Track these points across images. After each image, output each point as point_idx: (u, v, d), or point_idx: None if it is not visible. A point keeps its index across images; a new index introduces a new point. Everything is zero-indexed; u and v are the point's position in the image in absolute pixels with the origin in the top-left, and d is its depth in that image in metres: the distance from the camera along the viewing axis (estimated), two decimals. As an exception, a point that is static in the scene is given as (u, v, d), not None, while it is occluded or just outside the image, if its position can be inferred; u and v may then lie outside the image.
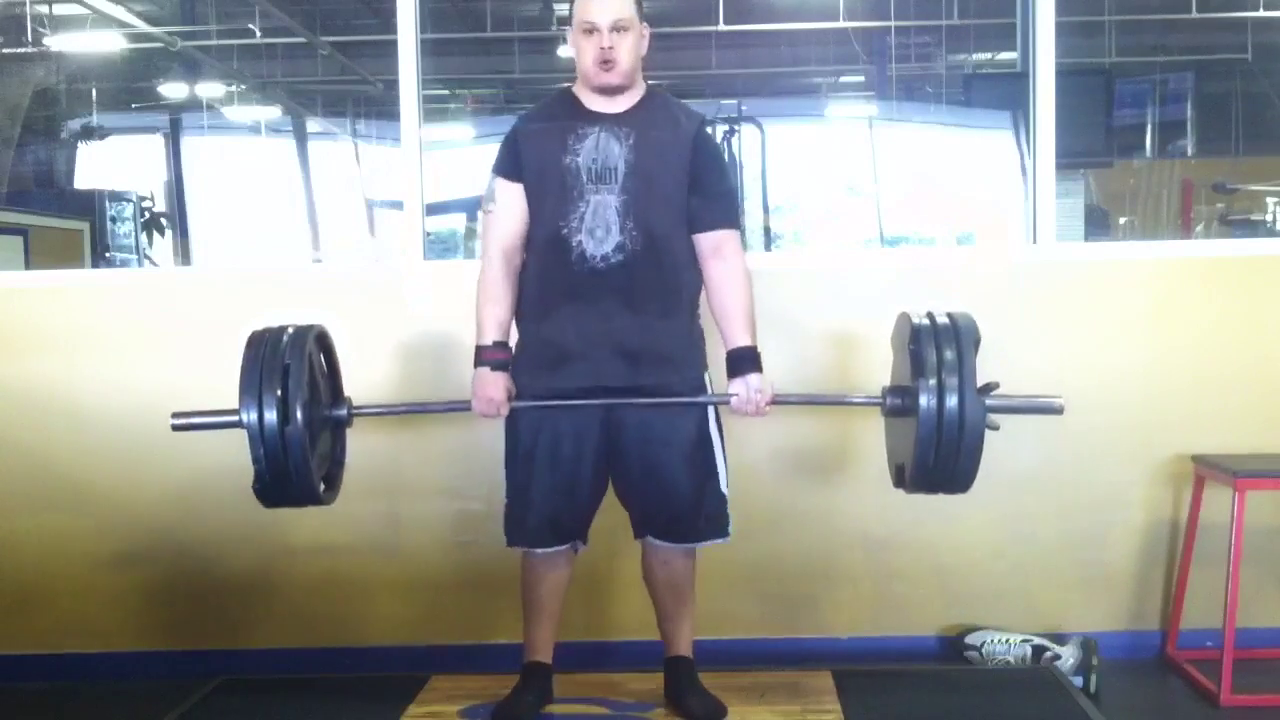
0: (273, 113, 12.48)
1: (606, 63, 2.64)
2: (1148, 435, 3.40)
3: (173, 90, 11.53)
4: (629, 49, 2.66)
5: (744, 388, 2.67)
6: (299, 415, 2.53)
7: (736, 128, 9.14)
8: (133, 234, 8.06)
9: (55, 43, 9.30)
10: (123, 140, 11.06)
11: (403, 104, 3.47)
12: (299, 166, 12.30)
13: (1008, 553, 3.43)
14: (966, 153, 9.35)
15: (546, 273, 2.69)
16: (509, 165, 2.73)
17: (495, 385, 2.68)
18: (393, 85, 3.53)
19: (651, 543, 2.78)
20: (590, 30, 2.64)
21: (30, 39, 8.97)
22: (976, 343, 2.57)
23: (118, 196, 7.97)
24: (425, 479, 3.46)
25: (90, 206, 7.57)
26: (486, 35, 11.16)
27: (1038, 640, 3.31)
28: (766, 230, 9.75)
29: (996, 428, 2.54)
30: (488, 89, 13.81)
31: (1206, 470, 3.24)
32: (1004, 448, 3.11)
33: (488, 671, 3.08)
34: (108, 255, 7.52)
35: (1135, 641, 3.44)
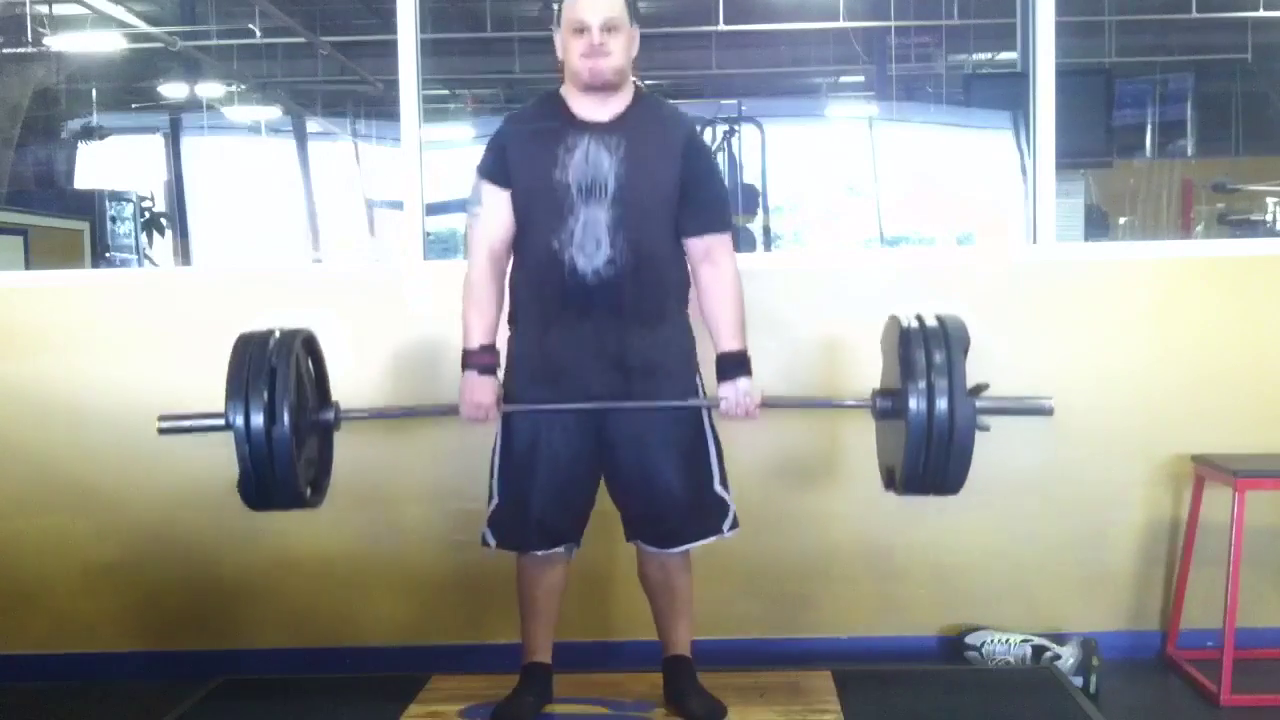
0: (273, 113, 12.49)
1: (597, 58, 2.61)
2: (1148, 435, 3.40)
3: (173, 90, 11.53)
4: (620, 48, 2.63)
5: (733, 391, 2.68)
6: (285, 419, 2.52)
7: (736, 128, 9.13)
8: (133, 234, 8.07)
9: (55, 43, 9.30)
10: (123, 140, 11.06)
11: (403, 104, 3.47)
12: (299, 166, 12.31)
13: (1008, 553, 3.43)
14: (966, 153, 9.36)
15: (537, 285, 2.69)
16: (496, 170, 2.71)
17: (484, 390, 2.68)
18: (393, 85, 3.52)
19: (644, 547, 2.79)
20: (581, 30, 2.62)
21: (30, 39, 8.97)
22: (966, 346, 2.56)
23: (118, 196, 7.98)
24: (425, 479, 3.45)
25: (90, 206, 7.58)
26: (486, 35, 11.16)
27: (1038, 640, 3.31)
28: (766, 230, 9.75)
29: (987, 429, 2.54)
30: (488, 89, 13.81)
31: (1206, 470, 3.24)
32: (1004, 448, 3.11)
33: (488, 671, 3.08)
34: (108, 255, 7.53)
35: (1135, 641, 3.44)
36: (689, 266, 2.74)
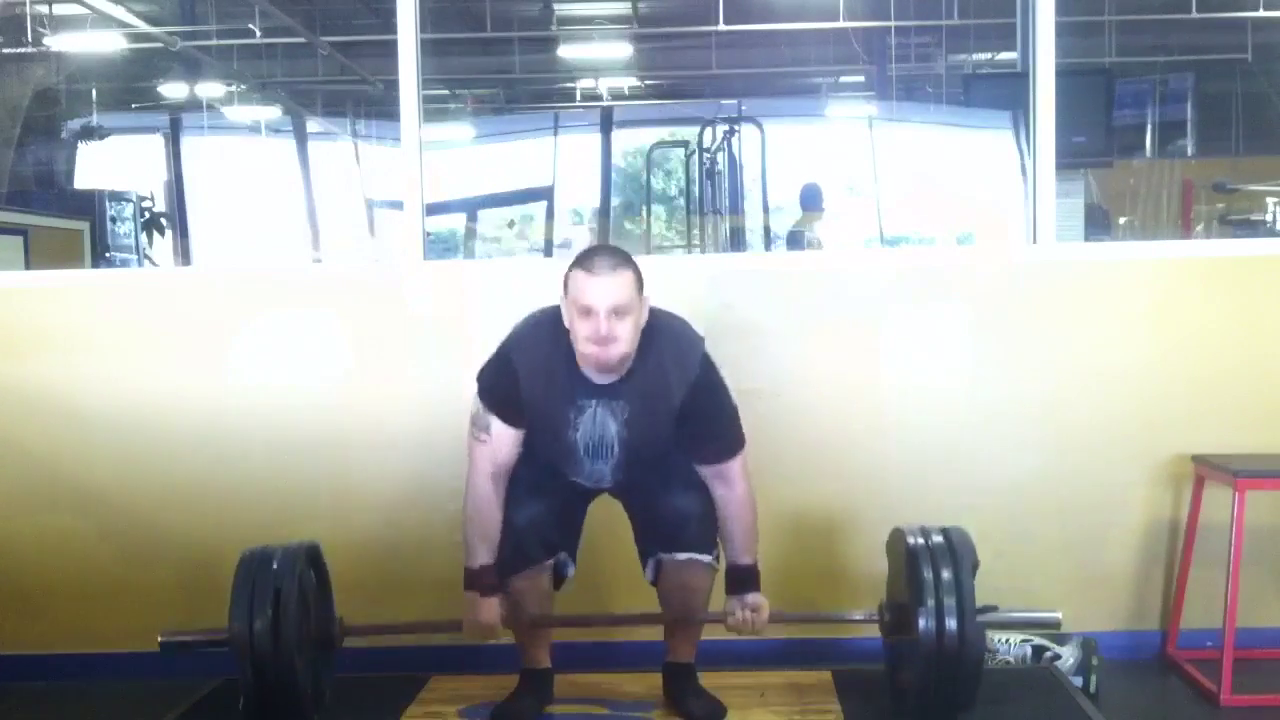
0: (273, 113, 12.48)
1: (604, 346, 2.52)
2: (1148, 435, 3.40)
3: (173, 90, 11.53)
4: (628, 334, 2.53)
5: (739, 606, 2.71)
6: (289, 638, 2.57)
7: (736, 128, 9.13)
8: (133, 234, 8.06)
9: (55, 43, 9.30)
10: (123, 140, 11.05)
11: (403, 104, 3.47)
12: (299, 166, 12.29)
13: (1008, 553, 3.42)
14: (966, 153, 9.35)
15: (541, 476, 2.73)
16: (509, 410, 2.65)
17: (489, 611, 2.69)
18: (393, 85, 3.52)
19: (668, 557, 2.78)
20: (587, 312, 2.52)
21: (30, 39, 8.97)
22: (975, 564, 2.61)
23: (118, 196, 7.97)
24: (425, 478, 3.45)
25: (90, 206, 7.57)
26: (486, 35, 11.16)
27: (1038, 640, 3.30)
28: (766, 230, 9.75)
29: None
30: (488, 89, 13.82)
31: (1206, 470, 3.24)
32: (1004, 448, 3.13)
33: (488, 672, 3.07)
34: (108, 255, 7.52)
35: (1135, 641, 3.43)
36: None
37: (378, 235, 11.27)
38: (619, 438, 2.64)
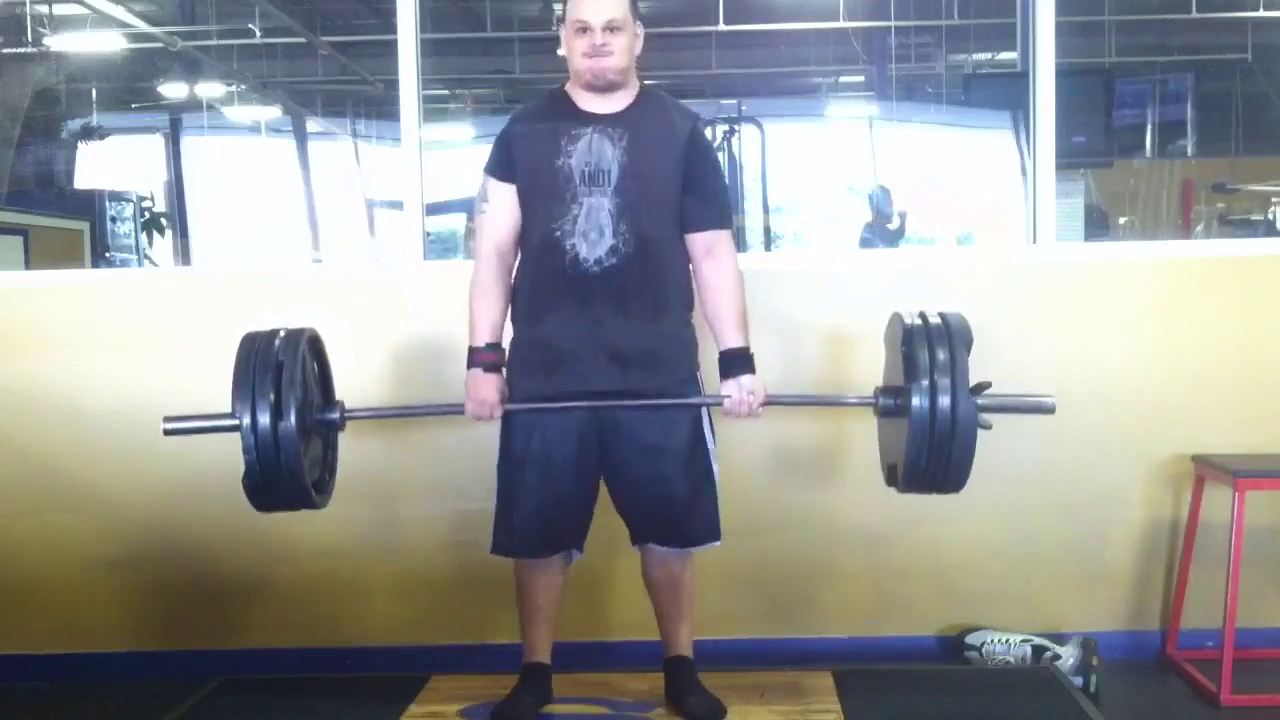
0: (273, 113, 12.47)
1: (599, 58, 2.63)
2: (1148, 435, 3.40)
3: (173, 90, 11.52)
4: (623, 47, 2.65)
5: (736, 389, 2.68)
6: (291, 416, 2.53)
7: (736, 128, 9.13)
8: (133, 234, 8.06)
9: (55, 43, 9.29)
10: (123, 140, 11.05)
11: (403, 104, 3.47)
12: (299, 166, 12.29)
13: (1008, 553, 3.43)
14: (966, 153, 9.35)
15: (539, 275, 2.69)
16: (501, 165, 2.73)
17: (488, 387, 2.69)
18: (393, 85, 3.52)
19: (650, 548, 2.78)
20: (583, 29, 2.64)
21: (30, 39, 8.96)
22: (969, 343, 2.57)
23: (118, 196, 7.97)
24: (425, 478, 3.46)
25: (90, 206, 7.57)
26: (486, 35, 11.15)
27: (1038, 640, 3.31)
28: (766, 230, 9.75)
29: (989, 426, 2.55)
30: (488, 89, 13.80)
31: (1206, 470, 3.24)
32: (1004, 447, 3.11)
33: (488, 671, 3.08)
34: (108, 255, 7.52)
35: (1135, 641, 3.44)
36: (691, 266, 2.74)
37: (378, 235, 11.27)
38: (618, 162, 2.64)
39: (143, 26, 10.17)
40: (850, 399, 2.87)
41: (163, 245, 9.31)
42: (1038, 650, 3.29)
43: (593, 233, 2.64)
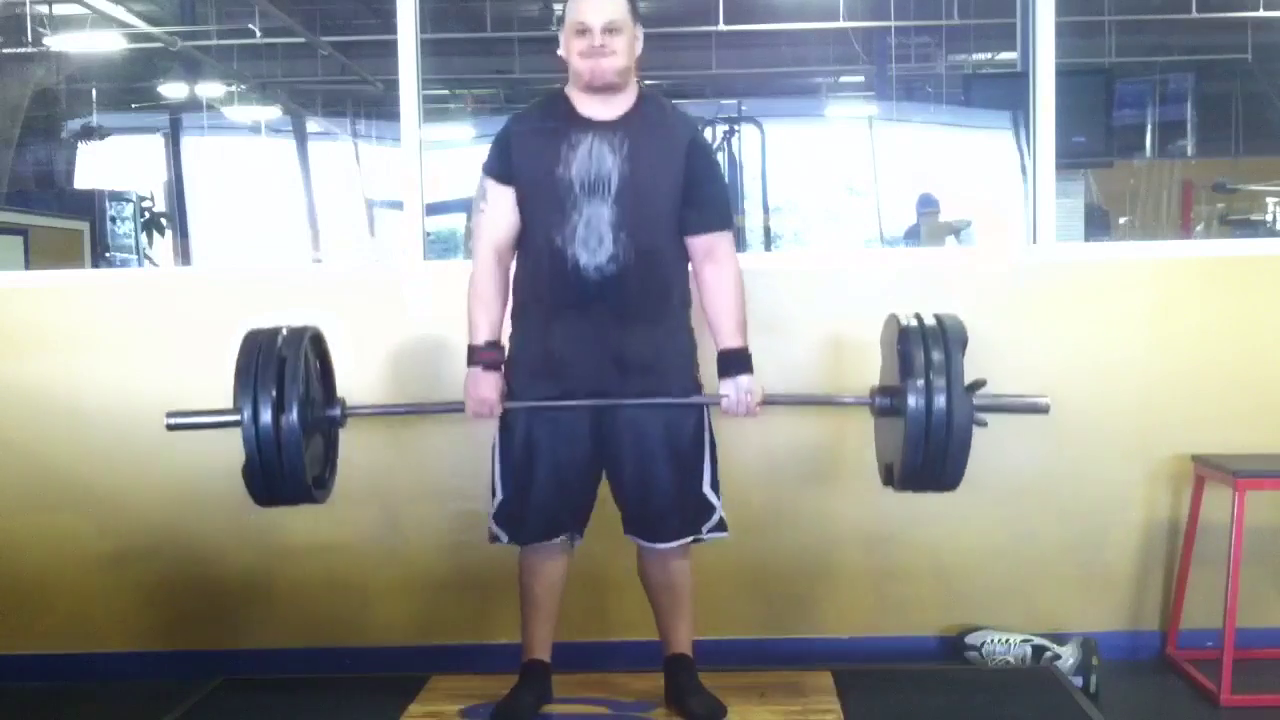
0: (273, 113, 12.48)
1: (598, 59, 2.62)
2: (1147, 435, 3.40)
3: (173, 90, 11.53)
4: (623, 49, 2.64)
5: (734, 389, 2.69)
6: (293, 411, 2.54)
7: (736, 128, 9.14)
8: (133, 234, 8.07)
9: (55, 43, 9.30)
10: (123, 140, 11.06)
11: (403, 104, 3.47)
12: (299, 166, 12.31)
13: (1008, 553, 3.43)
14: (966, 153, 9.36)
15: (539, 280, 2.69)
16: (500, 167, 2.73)
17: (488, 386, 2.69)
18: (393, 85, 3.52)
19: (642, 544, 2.79)
20: (582, 30, 2.63)
21: (30, 39, 8.97)
22: (964, 343, 2.58)
23: (118, 196, 7.98)
24: (425, 479, 3.45)
25: (90, 206, 7.59)
26: (486, 35, 11.16)
27: (1038, 640, 3.31)
28: (766, 230, 9.76)
29: (985, 424, 2.56)
30: (488, 89, 13.80)
31: (1206, 470, 3.24)
32: (1004, 448, 3.12)
33: (488, 671, 3.08)
34: (108, 255, 7.53)
35: (1135, 641, 3.44)
36: (691, 267, 2.74)
37: (378, 235, 11.28)
38: (618, 171, 2.63)
39: (143, 26, 10.17)
40: (847, 399, 2.88)
41: (163, 245, 9.33)
42: (1038, 650, 3.29)
43: (593, 240, 2.64)
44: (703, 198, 2.71)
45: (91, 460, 3.46)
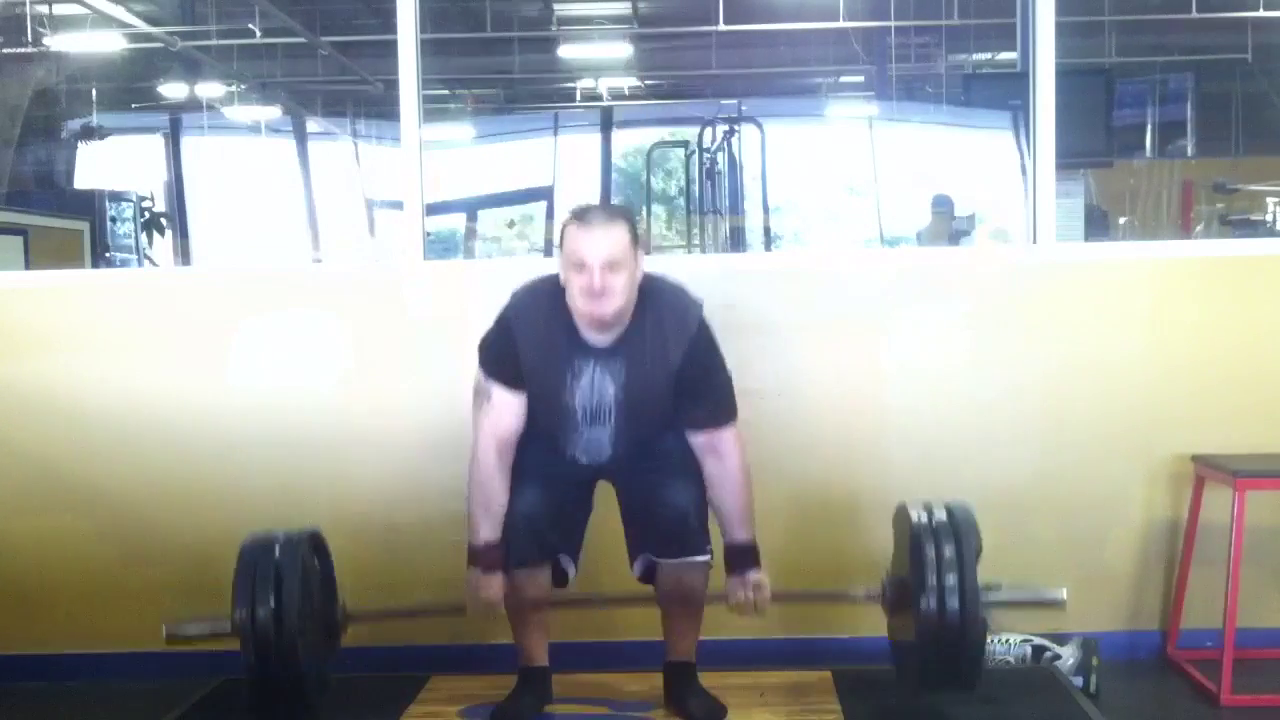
0: (273, 113, 12.49)
1: (597, 301, 2.53)
2: (1148, 435, 3.40)
3: (173, 90, 11.54)
4: (622, 287, 2.54)
5: (741, 587, 2.70)
6: (292, 622, 2.57)
7: (736, 128, 9.14)
8: (133, 234, 8.08)
9: (55, 43, 9.31)
10: (123, 140, 11.06)
11: (403, 104, 3.47)
12: (299, 166, 12.29)
13: (1008, 553, 3.42)
14: (966, 153, 9.36)
15: (540, 457, 2.72)
16: (508, 375, 2.67)
17: (490, 588, 2.68)
18: (393, 85, 3.52)
19: (661, 560, 2.78)
20: (581, 266, 2.54)
21: (30, 39, 8.97)
22: (978, 542, 2.60)
23: (118, 196, 7.98)
24: (425, 479, 3.45)
25: (90, 206, 7.59)
26: (486, 35, 11.16)
27: (1038, 640, 3.30)
28: (766, 230, 9.75)
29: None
30: (488, 89, 13.81)
31: (1206, 470, 3.24)
32: (1004, 448, 3.13)
33: (488, 671, 3.07)
34: (108, 255, 7.54)
35: (1135, 641, 3.43)
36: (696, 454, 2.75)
37: (378, 235, 11.28)
38: (616, 400, 2.63)
39: (143, 26, 10.19)
40: (858, 593, 2.88)
41: (163, 245, 9.33)
42: (1038, 650, 3.29)
43: (594, 450, 2.71)
44: (704, 392, 2.68)
45: (91, 460, 3.46)
